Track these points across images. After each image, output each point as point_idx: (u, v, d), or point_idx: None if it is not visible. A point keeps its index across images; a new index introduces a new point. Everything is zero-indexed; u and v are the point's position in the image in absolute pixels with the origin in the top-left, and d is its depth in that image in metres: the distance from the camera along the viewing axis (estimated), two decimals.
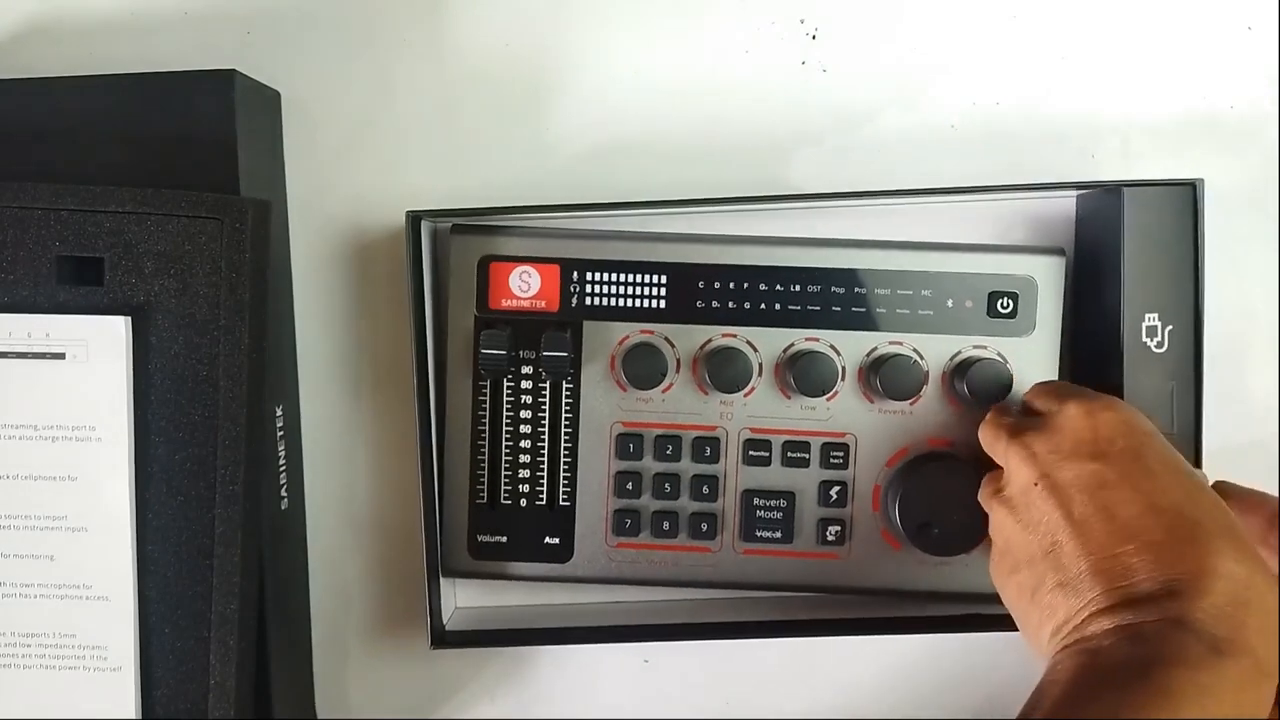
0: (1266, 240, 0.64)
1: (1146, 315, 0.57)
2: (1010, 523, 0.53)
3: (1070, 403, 0.53)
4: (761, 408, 0.61)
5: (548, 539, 0.63)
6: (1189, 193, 0.58)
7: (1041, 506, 0.51)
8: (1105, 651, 0.45)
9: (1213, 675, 0.43)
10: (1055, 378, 0.61)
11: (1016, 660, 0.66)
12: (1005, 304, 0.60)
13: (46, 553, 0.55)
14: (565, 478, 0.62)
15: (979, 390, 0.59)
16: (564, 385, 0.62)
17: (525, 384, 0.62)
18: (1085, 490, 0.49)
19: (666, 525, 0.62)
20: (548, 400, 0.62)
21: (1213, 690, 0.42)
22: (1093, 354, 0.61)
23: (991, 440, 0.56)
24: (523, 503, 0.63)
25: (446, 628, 0.62)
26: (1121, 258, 0.58)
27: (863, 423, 0.61)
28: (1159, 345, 0.57)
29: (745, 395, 0.61)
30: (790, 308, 0.61)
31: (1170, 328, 0.57)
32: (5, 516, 0.55)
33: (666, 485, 0.62)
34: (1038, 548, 0.50)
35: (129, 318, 0.55)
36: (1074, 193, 0.63)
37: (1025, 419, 0.55)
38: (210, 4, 0.63)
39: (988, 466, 0.60)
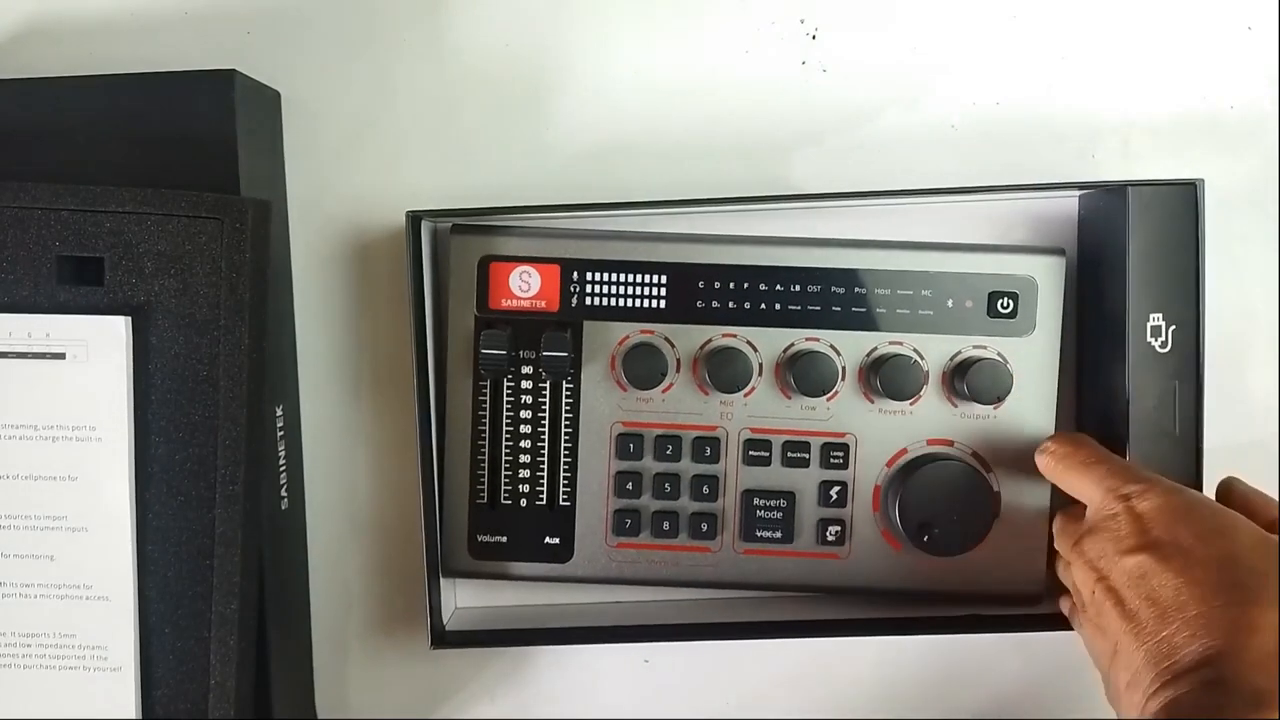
0: (1266, 240, 0.64)
1: (1151, 315, 0.57)
2: (1090, 632, 0.54)
3: (1109, 499, 0.54)
4: (761, 408, 0.61)
5: (548, 539, 0.63)
6: (1190, 193, 0.58)
7: (1104, 609, 0.52)
8: None
9: None
10: (1055, 378, 0.61)
11: (1017, 661, 0.67)
12: (1005, 304, 0.60)
13: (46, 553, 0.55)
14: (565, 478, 0.62)
15: (979, 390, 0.59)
16: (564, 385, 0.62)
17: (525, 384, 0.62)
18: (1132, 584, 0.50)
19: (666, 525, 0.62)
20: (548, 400, 0.62)
21: None
22: (1097, 354, 0.61)
23: (1065, 551, 0.58)
24: (523, 503, 0.63)
25: (447, 628, 0.62)
26: (1126, 257, 0.58)
27: (863, 423, 0.61)
28: (1163, 345, 0.57)
29: (745, 395, 0.61)
30: (790, 308, 0.61)
31: (1174, 327, 0.57)
32: (5, 516, 0.55)
33: (666, 485, 0.62)
34: (1110, 651, 0.51)
35: (129, 318, 0.55)
36: (1075, 193, 0.63)
37: (1083, 523, 0.56)
38: (210, 4, 0.63)
39: (987, 466, 0.61)
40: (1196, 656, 0.46)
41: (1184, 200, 0.58)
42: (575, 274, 0.61)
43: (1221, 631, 0.46)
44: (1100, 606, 0.52)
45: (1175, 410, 0.58)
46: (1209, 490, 0.57)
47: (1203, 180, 0.58)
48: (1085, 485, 0.56)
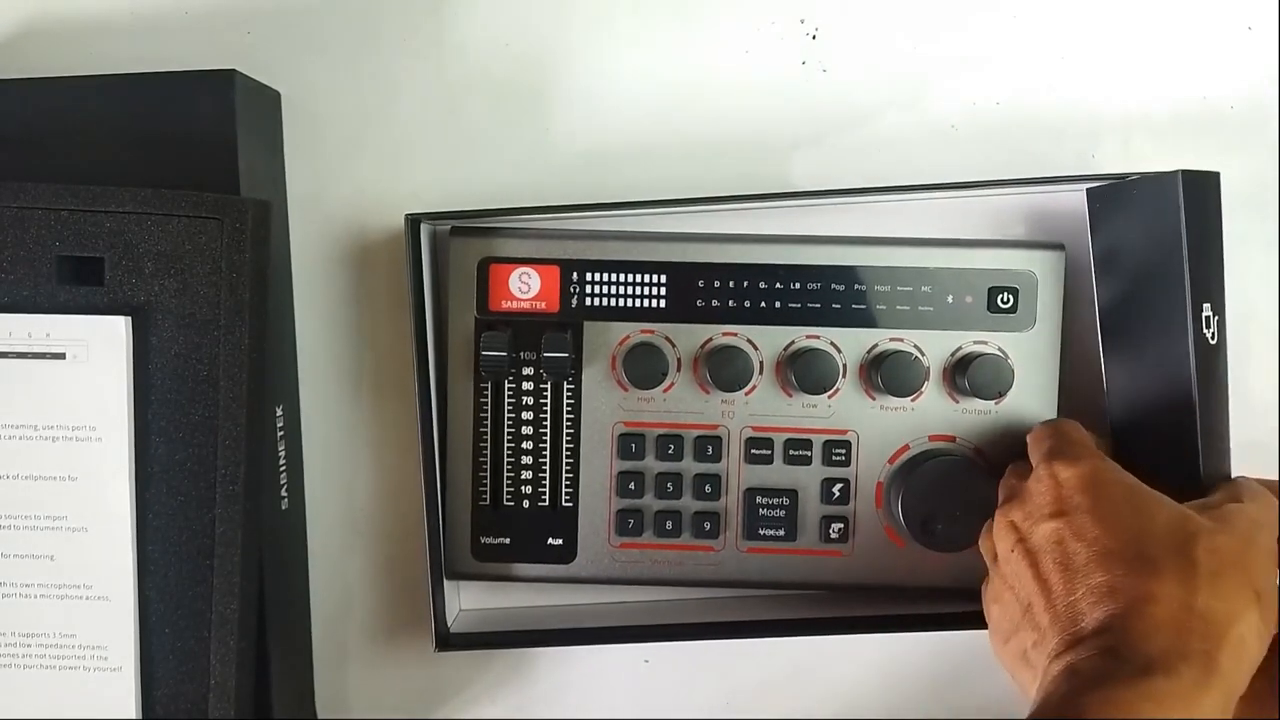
0: (1266, 240, 0.64)
1: (1204, 306, 0.56)
2: (999, 589, 0.55)
3: (1039, 466, 0.55)
4: (763, 406, 0.61)
5: (551, 540, 0.63)
6: (1214, 181, 0.57)
7: (1018, 570, 0.53)
8: (1046, 691, 0.47)
9: (1139, 692, 0.45)
10: (1056, 372, 0.61)
11: None
12: (1005, 299, 0.60)
13: (47, 553, 0.55)
14: (567, 478, 0.62)
15: (980, 386, 0.59)
16: (565, 386, 0.62)
17: (526, 385, 0.62)
18: (1048, 549, 0.52)
19: (669, 525, 0.62)
20: (549, 401, 0.62)
21: (1141, 706, 0.44)
22: (1150, 352, 0.59)
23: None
24: (525, 504, 0.63)
25: (451, 630, 0.62)
26: (1182, 247, 0.55)
27: (864, 420, 0.61)
28: (1213, 337, 0.56)
29: (746, 394, 0.61)
30: (790, 305, 0.61)
31: (1218, 317, 0.57)
32: (5, 516, 0.55)
33: (669, 485, 0.62)
34: (1019, 611, 0.53)
35: (129, 318, 0.55)
36: (1078, 186, 0.63)
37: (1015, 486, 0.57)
38: (210, 4, 0.64)
39: (989, 462, 0.60)
40: (1097, 623, 0.48)
41: (1209, 190, 0.57)
42: (575, 275, 0.61)
43: (1123, 599, 0.48)
44: (1016, 567, 0.53)
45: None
46: None
47: (1217, 173, 0.58)
48: (1032, 457, 0.57)
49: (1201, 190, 0.56)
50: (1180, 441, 0.56)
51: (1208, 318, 0.56)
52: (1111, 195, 0.61)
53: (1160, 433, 0.58)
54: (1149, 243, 0.58)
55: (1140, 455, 0.57)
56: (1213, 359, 0.56)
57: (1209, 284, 0.56)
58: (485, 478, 0.62)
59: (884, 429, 0.61)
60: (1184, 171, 0.55)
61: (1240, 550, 0.49)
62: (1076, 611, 0.49)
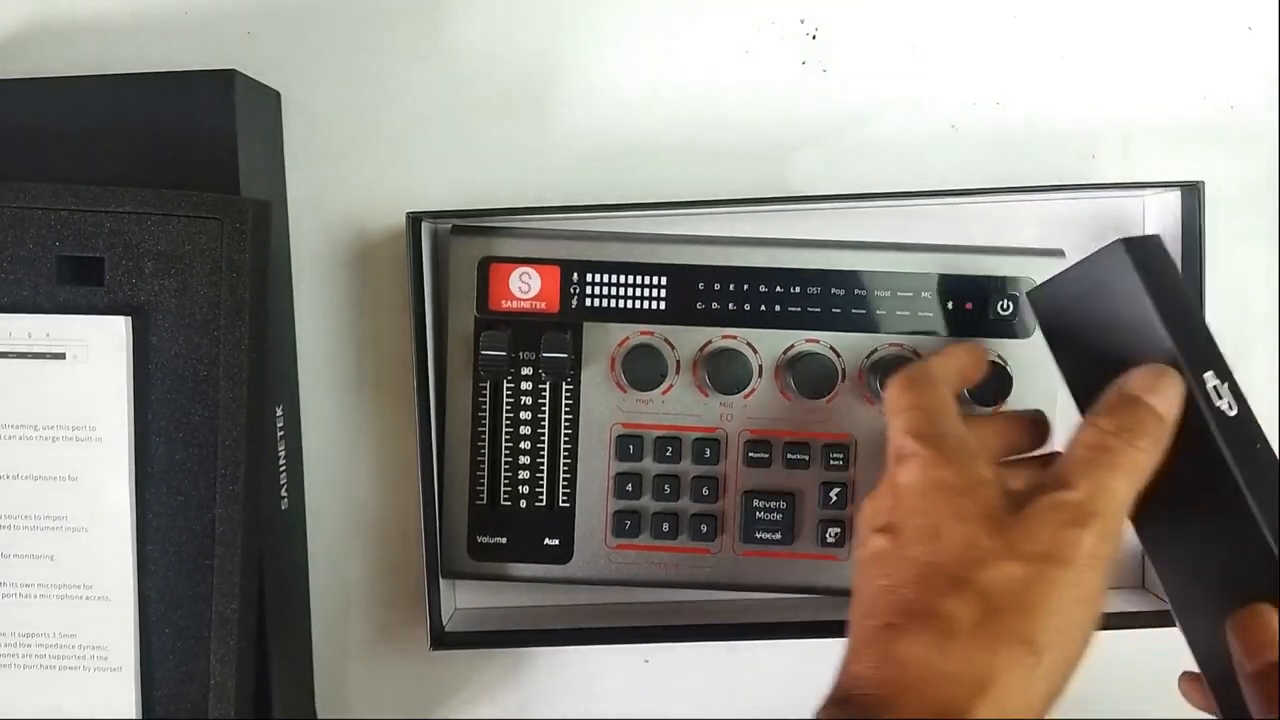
0: (1266, 240, 0.64)
1: (1205, 377, 0.49)
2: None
3: (890, 446, 0.50)
4: (762, 409, 0.61)
5: (547, 540, 0.63)
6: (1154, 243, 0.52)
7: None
8: None
9: None
10: (1056, 379, 0.60)
11: None
12: (1005, 306, 0.60)
13: (47, 553, 0.55)
14: (565, 479, 0.62)
15: (979, 392, 0.59)
16: (564, 386, 0.62)
17: (525, 385, 0.62)
18: (864, 566, 0.47)
19: (666, 526, 0.62)
20: (547, 401, 0.62)
21: None
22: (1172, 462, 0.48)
23: None
24: (522, 504, 0.63)
25: (446, 629, 0.62)
26: (1157, 323, 0.48)
27: (863, 424, 0.61)
28: (1231, 407, 0.48)
29: (745, 396, 0.61)
30: (790, 309, 0.61)
31: (1228, 383, 0.49)
32: (5, 516, 0.55)
33: (666, 486, 0.62)
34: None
35: (129, 318, 0.55)
36: (1075, 194, 0.63)
37: None
38: (210, 4, 0.63)
39: None
40: (849, 682, 0.44)
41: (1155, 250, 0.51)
42: (575, 275, 0.61)
43: (873, 660, 0.43)
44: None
45: None
46: None
47: (1203, 182, 0.58)
48: (890, 434, 0.50)
49: (1150, 252, 0.49)
50: (1246, 547, 0.46)
51: (1215, 388, 0.47)
52: (1055, 292, 0.55)
53: (1219, 544, 0.48)
54: (1117, 333, 0.50)
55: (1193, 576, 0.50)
56: (1241, 433, 0.47)
57: (1201, 350, 0.48)
58: (483, 477, 0.63)
59: (883, 433, 0.61)
60: (1124, 241, 0.49)
61: (1024, 584, 0.42)
62: (852, 652, 0.44)
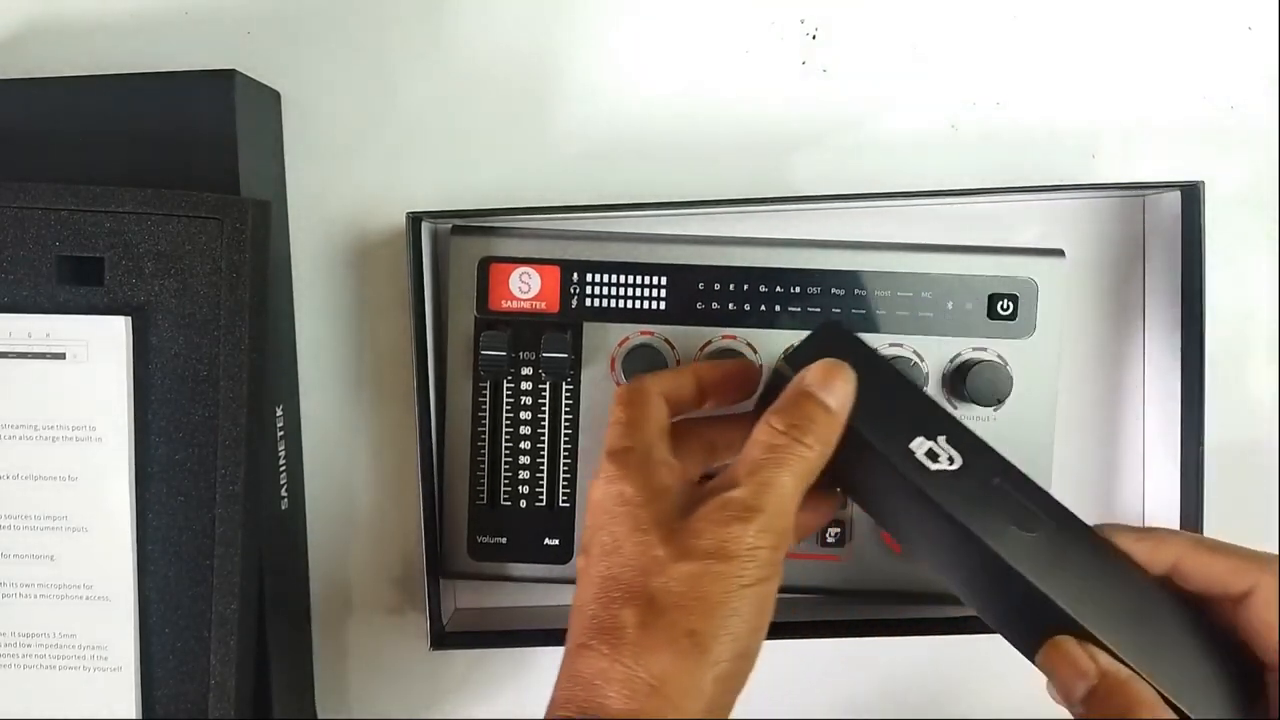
0: (1266, 240, 0.64)
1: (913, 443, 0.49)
2: None
3: None
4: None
5: (547, 540, 0.63)
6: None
7: None
8: None
9: None
10: (1056, 379, 0.60)
11: (1017, 662, 0.66)
12: (1006, 306, 0.60)
13: (46, 553, 0.55)
14: (565, 479, 0.62)
15: (979, 392, 0.59)
16: (564, 386, 0.62)
17: (525, 385, 0.62)
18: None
19: None
20: (547, 401, 0.62)
21: None
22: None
23: None
24: (522, 504, 0.63)
25: (446, 629, 0.62)
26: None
27: None
28: (953, 461, 0.49)
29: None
30: (790, 309, 0.61)
31: (944, 436, 0.49)
32: (5, 516, 0.55)
33: None
34: None
35: (129, 318, 0.55)
36: (1075, 195, 0.63)
37: None
38: (210, 4, 0.63)
39: None
40: (549, 708, 0.45)
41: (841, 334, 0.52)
42: (575, 275, 0.61)
43: (564, 683, 0.45)
44: None
45: None
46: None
47: (1203, 182, 0.58)
48: None
49: (836, 337, 0.51)
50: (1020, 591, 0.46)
51: (930, 451, 0.47)
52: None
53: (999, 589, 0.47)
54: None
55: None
56: (967, 485, 0.47)
57: (898, 422, 0.48)
58: (483, 477, 0.63)
59: None
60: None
61: (689, 582, 0.43)
62: (556, 681, 0.46)
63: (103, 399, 0.55)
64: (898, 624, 0.62)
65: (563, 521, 0.62)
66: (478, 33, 0.64)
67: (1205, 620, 0.45)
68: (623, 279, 0.61)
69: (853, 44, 0.64)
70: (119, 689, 0.56)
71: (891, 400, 0.49)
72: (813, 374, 0.48)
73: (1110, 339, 0.64)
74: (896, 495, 0.48)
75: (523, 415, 0.62)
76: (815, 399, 0.47)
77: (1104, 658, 0.43)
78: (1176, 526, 0.61)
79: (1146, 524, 0.64)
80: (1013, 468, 0.48)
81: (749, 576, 0.43)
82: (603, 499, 0.47)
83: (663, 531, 0.45)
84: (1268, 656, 0.44)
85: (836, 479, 0.50)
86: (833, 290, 0.60)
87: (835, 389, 0.47)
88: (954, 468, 0.47)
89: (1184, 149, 0.64)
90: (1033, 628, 0.45)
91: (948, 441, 0.48)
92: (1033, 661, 0.46)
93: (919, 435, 0.48)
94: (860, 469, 0.49)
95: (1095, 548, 0.46)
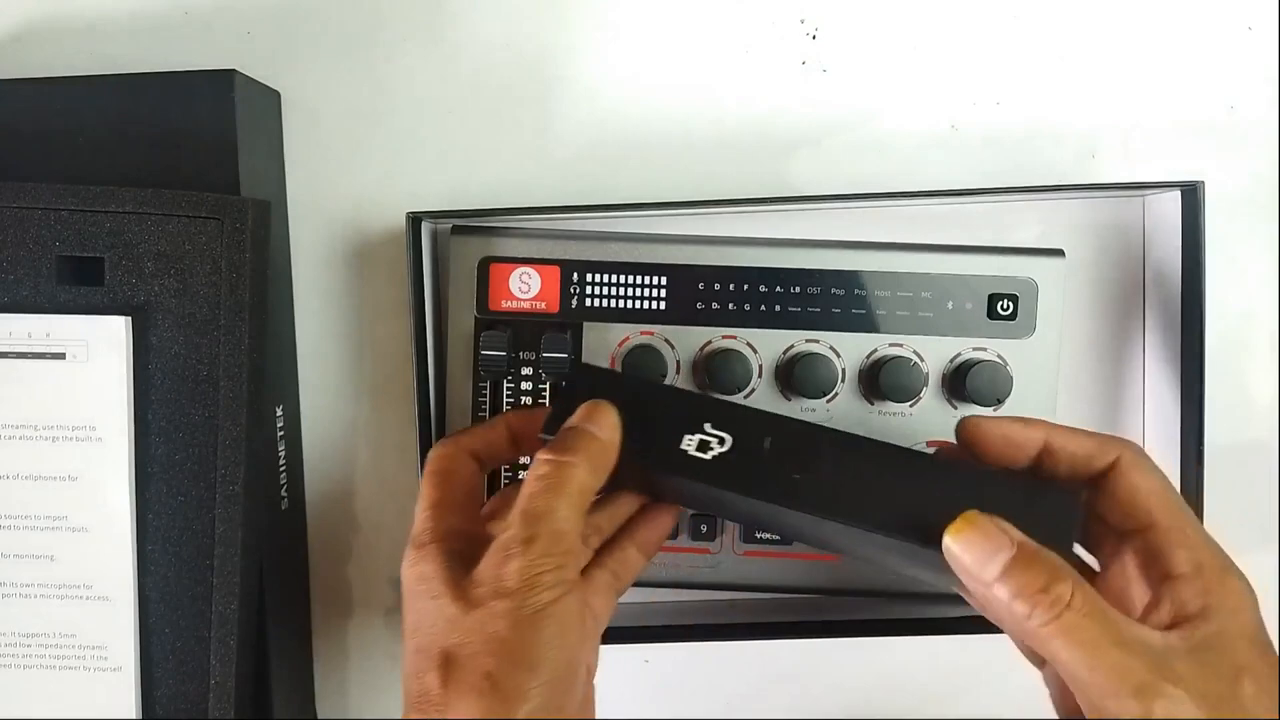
0: (1266, 240, 0.64)
1: None
2: None
3: None
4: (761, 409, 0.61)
5: None
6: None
7: None
8: None
9: None
10: (1055, 380, 0.60)
11: (1016, 661, 0.67)
12: (1005, 306, 0.60)
13: (47, 553, 0.55)
14: None
15: (979, 392, 0.59)
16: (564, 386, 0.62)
17: (525, 385, 0.62)
18: None
19: None
20: (548, 401, 0.62)
21: None
22: None
23: None
24: None
25: None
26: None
27: (862, 424, 0.61)
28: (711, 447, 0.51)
29: (745, 397, 0.61)
30: (790, 309, 0.61)
31: None
32: (5, 516, 0.55)
33: None
34: None
35: (129, 318, 0.55)
36: (1075, 194, 0.63)
37: None
38: (210, 4, 0.63)
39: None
40: None
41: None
42: (575, 275, 0.61)
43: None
44: None
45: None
46: None
47: (1203, 182, 0.58)
48: None
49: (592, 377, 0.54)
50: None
51: (702, 442, 0.49)
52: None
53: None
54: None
55: None
56: (735, 464, 0.49)
57: (659, 429, 0.50)
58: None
59: (882, 434, 0.61)
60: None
61: (477, 629, 0.45)
62: None
63: (103, 399, 0.55)
64: (897, 624, 0.62)
65: None
66: (478, 32, 0.64)
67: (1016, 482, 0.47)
68: (623, 279, 0.61)
69: (852, 44, 0.64)
70: (119, 689, 0.56)
71: (655, 412, 0.50)
72: (574, 418, 0.49)
73: (1110, 339, 0.64)
74: (703, 496, 0.50)
75: None
76: (579, 429, 0.49)
77: (1013, 528, 0.44)
78: None
79: None
80: (777, 418, 0.49)
81: (536, 603, 0.44)
82: (407, 582, 0.48)
83: (454, 591, 0.46)
84: (1131, 523, 0.46)
85: (663, 500, 0.53)
86: (833, 290, 0.60)
87: (597, 419, 0.49)
88: (726, 449, 0.48)
89: (1184, 149, 0.64)
90: (889, 545, 0.46)
91: (714, 426, 0.49)
92: (939, 568, 0.46)
93: (685, 433, 0.49)
94: (663, 486, 0.51)
95: (879, 450, 0.48)
